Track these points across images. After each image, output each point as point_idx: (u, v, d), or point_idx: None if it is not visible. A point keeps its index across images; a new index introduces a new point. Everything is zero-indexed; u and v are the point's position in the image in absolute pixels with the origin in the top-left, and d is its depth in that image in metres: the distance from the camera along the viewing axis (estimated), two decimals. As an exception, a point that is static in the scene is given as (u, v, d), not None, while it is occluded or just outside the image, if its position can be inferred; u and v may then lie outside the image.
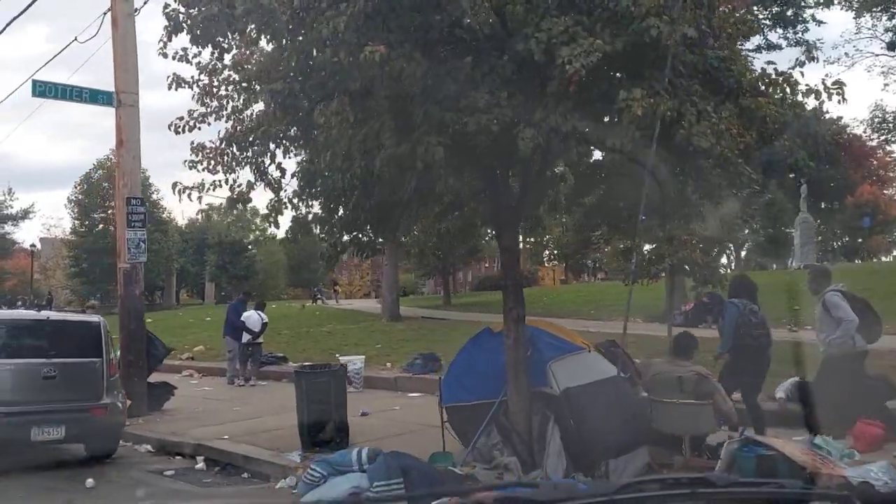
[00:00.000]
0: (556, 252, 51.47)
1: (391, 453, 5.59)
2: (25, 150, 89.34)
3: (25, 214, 37.93)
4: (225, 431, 8.61)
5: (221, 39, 5.90)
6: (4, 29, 11.00)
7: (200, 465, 7.49)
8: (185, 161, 7.41)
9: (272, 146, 6.80)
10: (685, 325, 11.98)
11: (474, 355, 6.95)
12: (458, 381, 6.92)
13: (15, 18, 10.46)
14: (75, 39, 10.72)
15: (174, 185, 6.23)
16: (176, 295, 51.42)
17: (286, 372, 14.07)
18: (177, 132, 6.90)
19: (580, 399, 5.99)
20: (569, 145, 6.10)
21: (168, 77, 6.56)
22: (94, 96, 9.92)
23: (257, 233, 63.98)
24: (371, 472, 5.24)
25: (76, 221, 43.63)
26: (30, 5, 10.58)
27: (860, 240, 50.18)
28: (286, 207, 6.60)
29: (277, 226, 6.76)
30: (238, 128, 6.85)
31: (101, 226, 43.29)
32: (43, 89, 9.48)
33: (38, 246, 53.36)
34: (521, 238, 21.43)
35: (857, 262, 44.65)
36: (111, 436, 7.66)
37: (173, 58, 6.55)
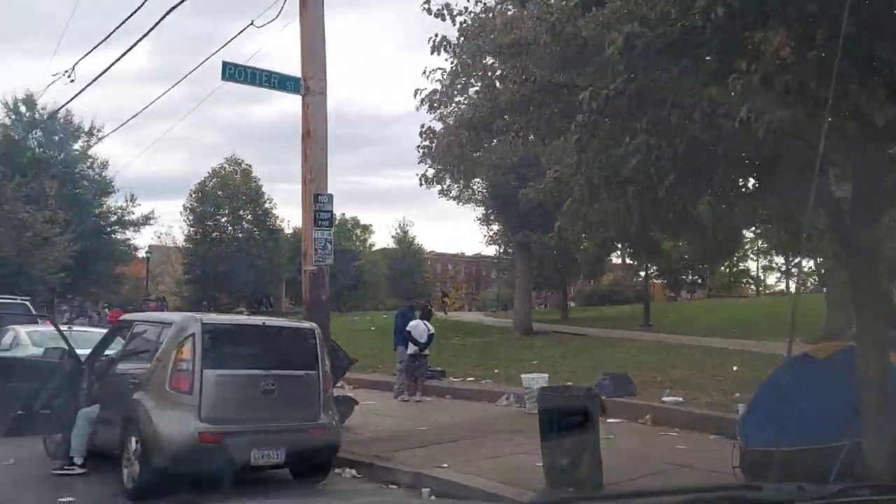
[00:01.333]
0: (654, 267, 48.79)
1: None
2: (143, 161, 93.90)
3: (146, 221, 38.74)
4: (436, 458, 7.40)
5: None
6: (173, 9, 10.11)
7: (432, 498, 6.26)
8: (419, 146, 6.33)
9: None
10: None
11: (790, 387, 5.44)
12: (769, 420, 5.41)
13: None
14: (251, 24, 9.86)
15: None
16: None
17: (449, 388, 12.92)
18: (432, 107, 5.81)
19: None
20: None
21: (430, 39, 5.46)
22: (282, 82, 9.03)
23: (357, 243, 64.40)
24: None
25: (191, 229, 44.48)
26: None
27: None
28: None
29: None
30: (489, 106, 5.66)
31: (214, 234, 43.98)
32: (233, 72, 8.67)
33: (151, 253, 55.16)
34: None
35: None
36: (326, 460, 6.55)
37: (435, 15, 5.44)
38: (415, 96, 5.78)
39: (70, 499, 5.84)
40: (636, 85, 4.15)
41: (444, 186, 29.08)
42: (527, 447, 7.93)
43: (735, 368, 12.69)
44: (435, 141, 6.69)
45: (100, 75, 13.35)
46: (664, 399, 10.30)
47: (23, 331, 10.46)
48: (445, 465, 7.02)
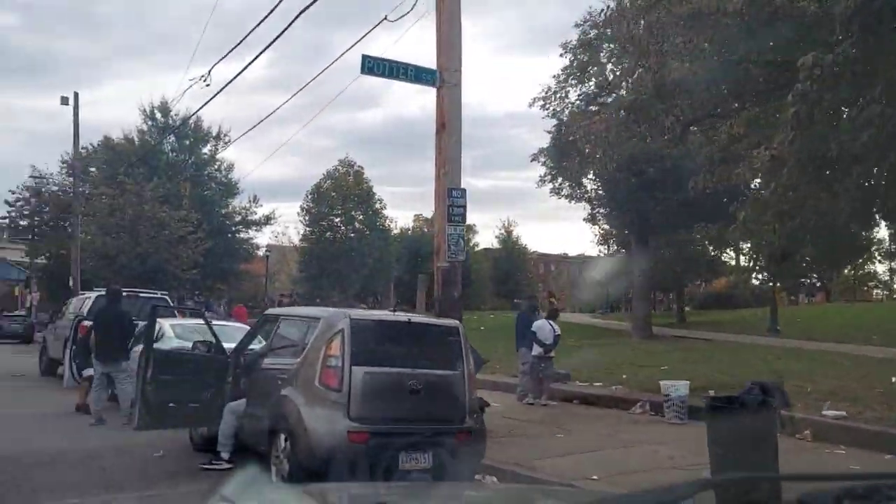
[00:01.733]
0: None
1: None
2: (255, 164, 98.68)
3: (267, 221, 40.34)
4: (582, 468, 6.89)
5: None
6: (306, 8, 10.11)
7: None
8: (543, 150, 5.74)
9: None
10: None
11: None
12: None
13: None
14: (385, 18, 9.73)
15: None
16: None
17: (576, 392, 12.33)
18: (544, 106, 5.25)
19: None
20: None
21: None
22: (418, 75, 8.84)
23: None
24: None
25: (307, 229, 45.93)
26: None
27: None
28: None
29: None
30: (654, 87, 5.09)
31: (328, 234, 45.22)
32: (371, 65, 8.57)
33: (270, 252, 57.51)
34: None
35: None
36: (470, 468, 6.19)
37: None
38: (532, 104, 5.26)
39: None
40: (864, 49, 3.50)
41: (557, 184, 28.50)
42: (679, 461, 7.30)
43: (895, 380, 11.38)
44: (581, 129, 6.18)
45: (232, 80, 13.91)
46: (824, 413, 9.28)
47: (166, 323, 10.85)
48: (595, 478, 6.52)
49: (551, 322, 11.87)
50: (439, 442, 5.83)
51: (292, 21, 10.88)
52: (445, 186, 8.82)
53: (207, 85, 13.91)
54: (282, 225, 68.12)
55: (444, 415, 5.99)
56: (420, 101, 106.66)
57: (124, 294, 11.33)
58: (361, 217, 44.84)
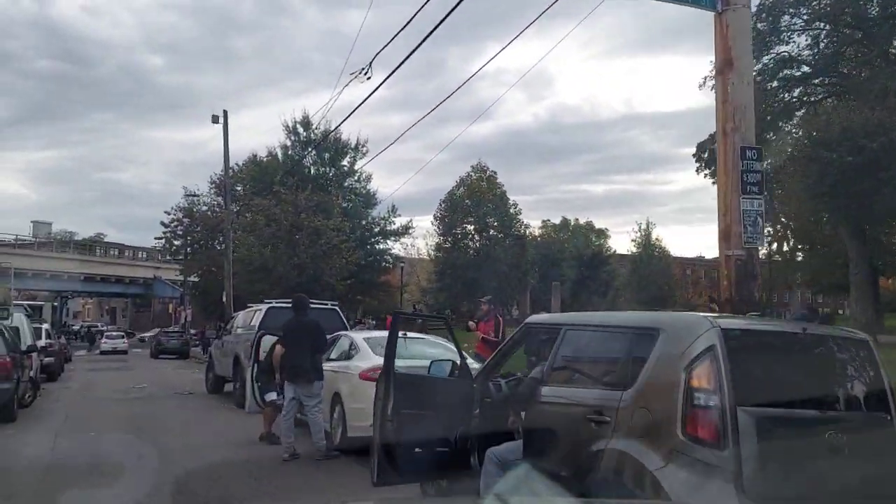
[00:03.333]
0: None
1: None
2: (381, 178, 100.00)
3: (405, 231, 39.26)
4: None
5: None
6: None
7: None
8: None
9: None
10: None
11: None
12: None
13: None
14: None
15: None
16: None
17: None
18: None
19: None
20: None
21: None
22: (695, -3, 6.51)
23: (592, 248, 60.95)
24: None
25: (441, 238, 44.55)
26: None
27: None
28: None
29: None
30: None
31: (462, 242, 43.65)
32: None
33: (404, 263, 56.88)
34: None
35: None
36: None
37: None
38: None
39: None
40: None
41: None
42: None
43: None
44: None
45: (371, 93, 12.65)
46: None
47: (359, 337, 9.14)
48: None
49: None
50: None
51: (435, 29, 8.96)
52: (735, 146, 6.38)
53: (368, 78, 12.66)
54: (410, 237, 68.05)
55: (886, 490, 3.56)
56: (530, 110, 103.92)
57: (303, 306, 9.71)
58: (496, 223, 42.82)
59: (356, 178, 36.88)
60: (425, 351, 8.07)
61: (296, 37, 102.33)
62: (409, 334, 8.44)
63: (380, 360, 7.72)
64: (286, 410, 8.06)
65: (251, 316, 13.70)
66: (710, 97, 26.57)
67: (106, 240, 69.28)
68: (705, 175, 58.19)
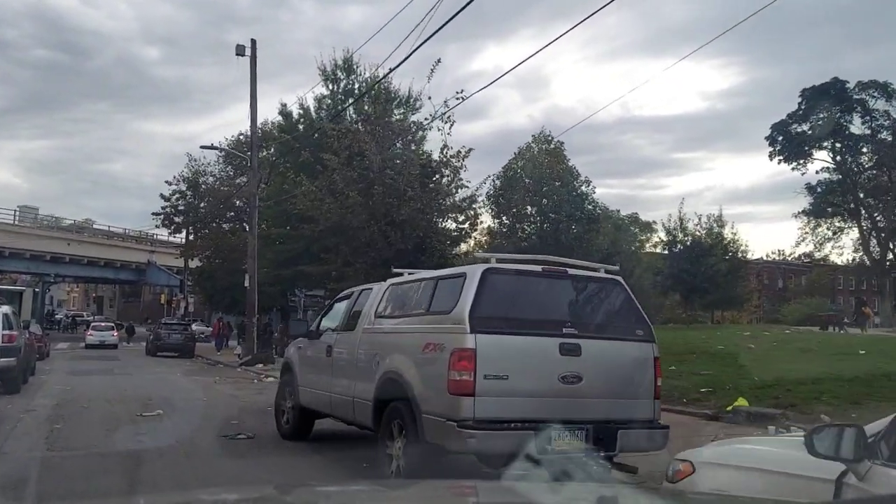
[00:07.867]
0: None
1: None
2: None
3: (470, 204, 31.56)
4: None
5: None
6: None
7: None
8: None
9: None
10: None
11: None
12: None
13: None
14: None
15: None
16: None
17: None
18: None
19: None
20: None
21: None
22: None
23: (636, 243, 53.62)
24: None
25: (495, 221, 37.00)
26: None
27: None
28: None
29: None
30: None
31: (525, 224, 36.22)
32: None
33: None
34: None
35: None
36: None
37: None
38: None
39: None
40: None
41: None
42: None
43: None
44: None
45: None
46: None
47: None
48: None
49: None
50: None
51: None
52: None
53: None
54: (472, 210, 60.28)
55: None
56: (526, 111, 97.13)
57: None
58: (567, 198, 35.12)
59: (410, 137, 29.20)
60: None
61: (293, 30, 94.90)
62: None
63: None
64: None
65: (416, 290, 6.18)
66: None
67: (95, 226, 60.34)
68: (779, 161, 50.55)
